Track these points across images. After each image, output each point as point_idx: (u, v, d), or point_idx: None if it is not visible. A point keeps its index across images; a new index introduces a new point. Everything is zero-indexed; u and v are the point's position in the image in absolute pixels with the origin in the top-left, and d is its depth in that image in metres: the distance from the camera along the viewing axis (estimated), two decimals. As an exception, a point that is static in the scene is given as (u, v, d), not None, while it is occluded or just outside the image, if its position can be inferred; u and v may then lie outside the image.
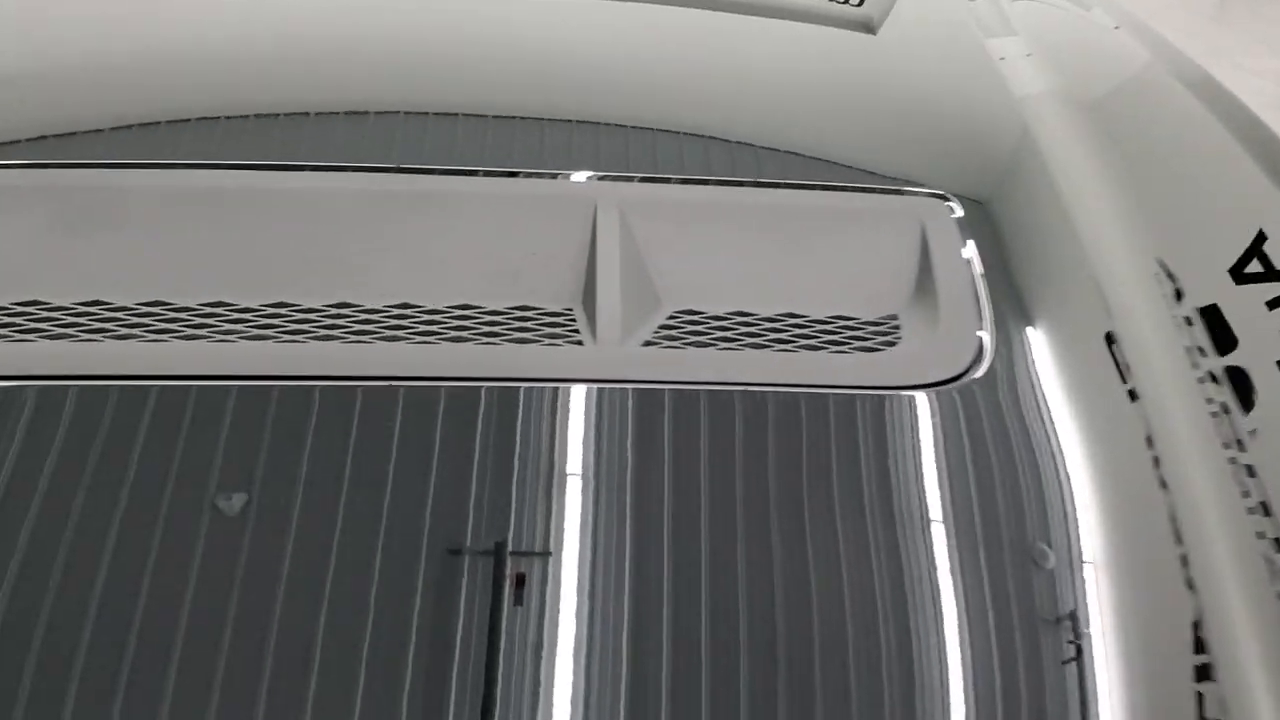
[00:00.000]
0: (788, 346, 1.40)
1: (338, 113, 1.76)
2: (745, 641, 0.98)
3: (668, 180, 1.59)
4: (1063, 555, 1.12)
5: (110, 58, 1.84)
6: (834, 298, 1.50)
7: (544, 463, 1.11)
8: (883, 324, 1.47)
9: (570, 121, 1.78)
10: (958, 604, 1.05)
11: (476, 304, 1.45)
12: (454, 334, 1.39)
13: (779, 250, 1.54)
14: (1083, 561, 1.12)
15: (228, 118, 1.72)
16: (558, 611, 0.94)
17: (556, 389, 1.26)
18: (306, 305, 1.43)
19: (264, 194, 1.52)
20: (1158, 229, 1.51)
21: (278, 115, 1.76)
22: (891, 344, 1.42)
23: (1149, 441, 1.23)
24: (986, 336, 1.40)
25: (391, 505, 1.03)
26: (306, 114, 1.75)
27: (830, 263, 1.54)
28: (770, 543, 1.07)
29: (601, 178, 1.58)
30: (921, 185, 1.63)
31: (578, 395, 1.26)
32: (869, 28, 2.08)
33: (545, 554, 0.97)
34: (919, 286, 1.51)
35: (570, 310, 1.46)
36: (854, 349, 1.40)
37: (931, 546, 1.11)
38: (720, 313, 1.46)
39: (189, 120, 1.70)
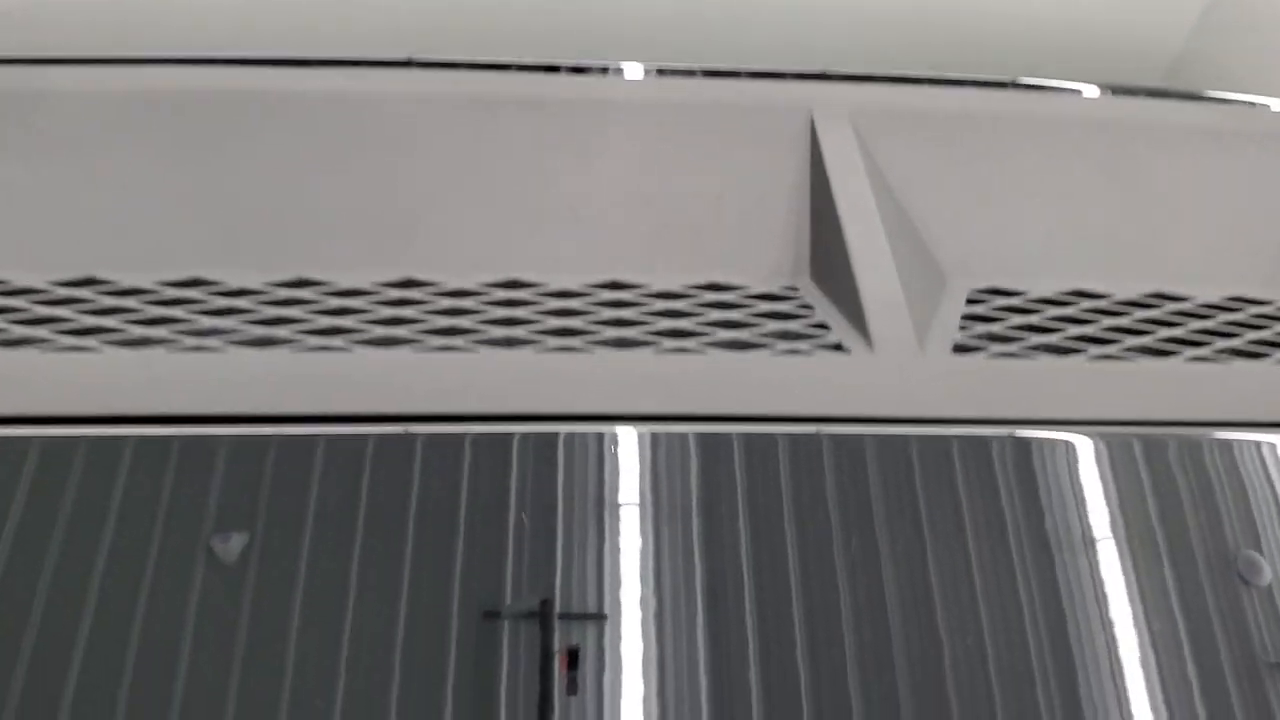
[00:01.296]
0: (1201, 350, 0.80)
1: None
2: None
3: (909, 80, 0.99)
4: None
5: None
6: (1223, 266, 0.90)
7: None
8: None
9: None
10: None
11: (632, 282, 0.85)
12: (612, 332, 0.79)
13: (1110, 190, 0.94)
14: None
15: None
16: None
17: None
18: (345, 285, 0.82)
19: (268, 99, 0.91)
20: None
21: None
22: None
23: None
24: None
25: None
26: None
27: (1196, 210, 0.94)
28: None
29: (812, 76, 0.98)
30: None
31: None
32: None
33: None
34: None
35: (796, 291, 0.86)
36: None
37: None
38: (1048, 294, 0.87)
39: None
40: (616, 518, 0.66)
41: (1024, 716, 0.61)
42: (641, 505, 0.67)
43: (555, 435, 0.68)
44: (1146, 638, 0.63)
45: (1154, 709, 0.62)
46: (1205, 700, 0.63)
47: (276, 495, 0.65)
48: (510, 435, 0.68)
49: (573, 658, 0.69)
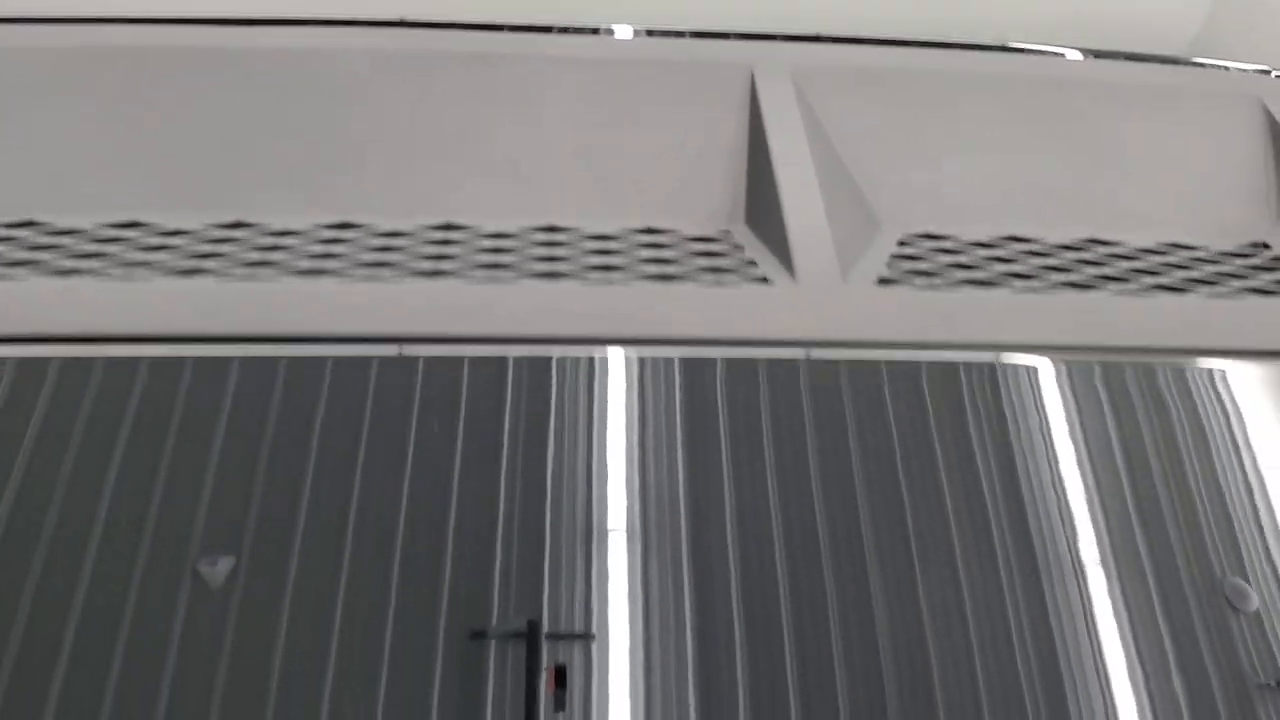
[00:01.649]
0: (1126, 285, 0.80)
1: None
2: None
3: (852, 40, 1.00)
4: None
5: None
6: (1158, 215, 0.91)
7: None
8: (1250, 254, 0.88)
9: None
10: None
11: (568, 225, 0.86)
12: (542, 267, 0.79)
13: (1050, 144, 0.95)
14: None
15: None
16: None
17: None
18: (279, 226, 0.83)
19: (216, 56, 0.92)
20: None
21: None
22: (1293, 283, 0.83)
23: None
24: None
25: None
26: None
27: (1135, 163, 0.95)
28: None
29: (755, 36, 0.99)
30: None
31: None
32: None
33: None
34: (1284, 199, 0.93)
35: (729, 233, 0.86)
36: (1243, 290, 0.81)
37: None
38: (982, 237, 0.87)
39: None
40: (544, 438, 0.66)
41: (993, 622, 0.61)
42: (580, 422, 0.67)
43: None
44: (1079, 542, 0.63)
45: (1112, 596, 0.62)
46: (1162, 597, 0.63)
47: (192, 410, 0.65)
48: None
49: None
